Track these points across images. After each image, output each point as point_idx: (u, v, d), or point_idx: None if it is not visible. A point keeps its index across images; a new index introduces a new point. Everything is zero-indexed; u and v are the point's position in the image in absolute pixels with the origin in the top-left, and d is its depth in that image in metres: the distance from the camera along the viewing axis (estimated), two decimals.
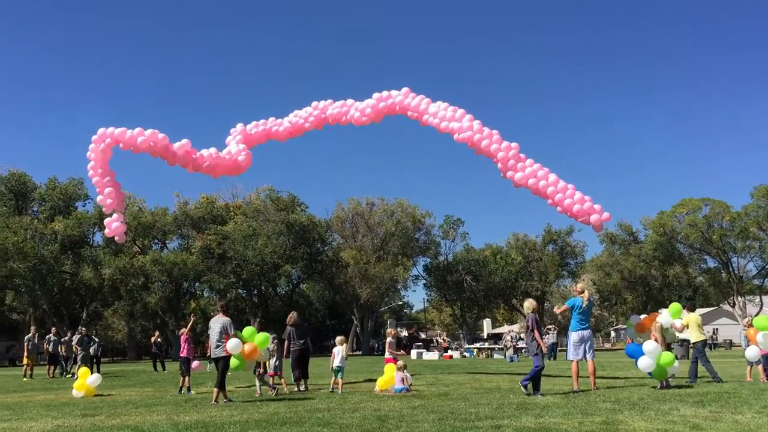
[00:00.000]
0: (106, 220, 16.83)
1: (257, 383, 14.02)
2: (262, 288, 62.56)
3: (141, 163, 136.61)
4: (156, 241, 60.76)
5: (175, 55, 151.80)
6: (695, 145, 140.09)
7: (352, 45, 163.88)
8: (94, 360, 24.26)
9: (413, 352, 41.76)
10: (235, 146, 17.97)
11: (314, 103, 18.20)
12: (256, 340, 12.69)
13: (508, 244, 69.74)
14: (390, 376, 13.71)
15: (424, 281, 69.40)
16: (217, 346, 12.28)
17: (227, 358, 12.19)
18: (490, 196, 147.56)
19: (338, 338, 15.17)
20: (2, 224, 50.15)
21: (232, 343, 12.05)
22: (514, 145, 14.85)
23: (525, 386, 11.93)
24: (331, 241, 63.96)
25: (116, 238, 16.98)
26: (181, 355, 15.82)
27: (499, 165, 15.00)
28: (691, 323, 14.94)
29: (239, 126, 18.65)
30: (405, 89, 16.84)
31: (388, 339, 16.87)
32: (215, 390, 12.21)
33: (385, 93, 16.94)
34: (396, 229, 60.30)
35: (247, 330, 13.00)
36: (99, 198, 16.47)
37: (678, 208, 64.93)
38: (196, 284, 60.27)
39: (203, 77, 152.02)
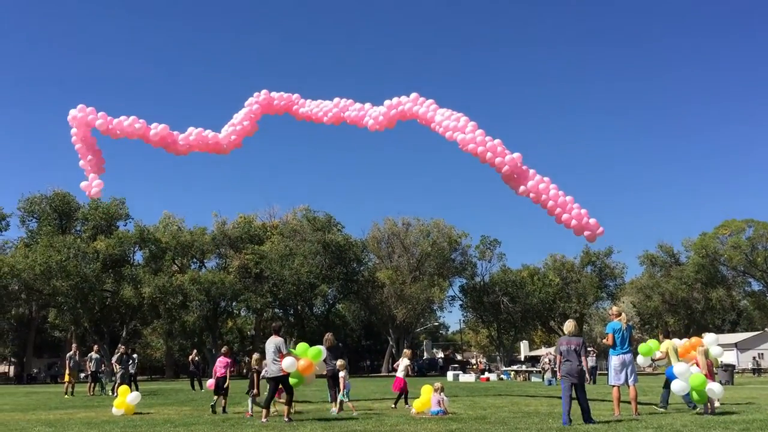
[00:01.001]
0: (83, 184, 17.10)
1: (249, 403, 14.04)
2: (299, 308, 62.83)
3: (180, 184, 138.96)
4: (194, 260, 61.57)
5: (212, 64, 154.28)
6: (739, 165, 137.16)
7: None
8: (132, 378, 24.51)
9: (449, 374, 41.37)
10: (239, 116, 18.22)
11: (336, 100, 18.32)
12: (309, 354, 12.80)
13: (545, 265, 69.00)
14: (426, 399, 13.58)
15: (461, 302, 68.95)
16: (273, 366, 12.43)
17: (284, 377, 12.37)
18: (527, 217, 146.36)
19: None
20: (46, 243, 51.30)
21: (287, 362, 12.20)
22: (516, 155, 15.01)
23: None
24: (367, 261, 64.04)
25: (91, 193, 17.35)
26: (218, 375, 15.86)
27: (503, 176, 15.29)
28: (669, 349, 14.68)
29: (264, 92, 18.76)
30: (414, 95, 17.05)
31: (405, 360, 16.84)
32: (285, 408, 12.39)
33: (395, 100, 17.17)
34: (432, 250, 60.13)
35: (301, 346, 13.13)
36: (81, 163, 16.92)
37: (721, 229, 63.61)
38: (234, 303, 60.75)
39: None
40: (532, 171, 15.12)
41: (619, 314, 12.67)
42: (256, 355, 14.92)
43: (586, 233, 14.53)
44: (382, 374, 67.76)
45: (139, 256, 58.23)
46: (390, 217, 63.84)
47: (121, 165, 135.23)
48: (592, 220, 14.63)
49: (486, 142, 15.22)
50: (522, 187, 14.94)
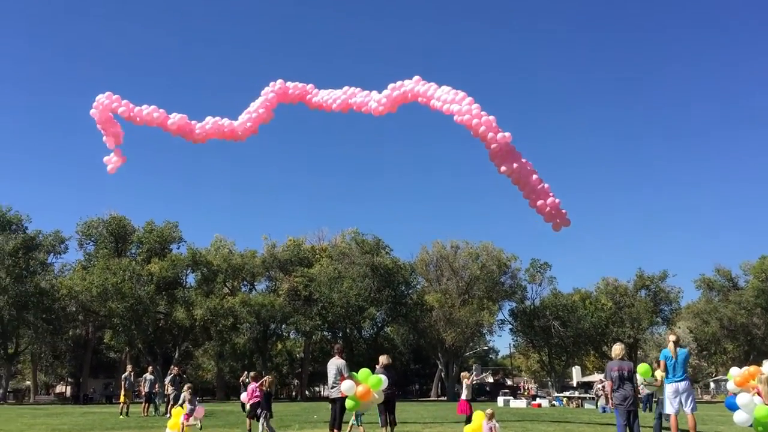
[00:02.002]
0: (106, 158, 18.11)
1: (261, 426, 14.21)
2: (347, 330, 62.91)
3: (231, 207, 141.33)
4: (245, 282, 62.37)
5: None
6: None
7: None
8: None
9: (500, 400, 40.74)
10: (255, 105, 18.65)
11: (345, 88, 18.59)
12: (369, 382, 12.81)
13: (597, 289, 67.66)
14: (478, 425, 13.38)
15: (510, 326, 68.10)
16: (333, 387, 12.59)
17: (343, 399, 12.42)
18: (577, 240, 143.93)
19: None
20: (103, 266, 52.66)
21: (346, 385, 12.26)
22: (507, 135, 15.16)
23: None
24: (416, 284, 63.82)
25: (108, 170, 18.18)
26: (250, 401, 15.80)
27: (490, 152, 15.48)
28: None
29: (279, 81, 19.15)
30: (416, 77, 17.27)
31: (465, 381, 16.66)
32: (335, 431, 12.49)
33: (398, 83, 17.36)
34: (481, 273, 59.64)
35: (363, 372, 13.17)
36: (104, 138, 17.97)
37: None
38: (283, 326, 61.18)
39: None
40: (518, 153, 15.30)
41: (677, 341, 12.33)
42: (269, 378, 15.11)
43: (557, 221, 14.88)
44: (431, 398, 67.20)
45: (191, 279, 59.35)
46: (438, 240, 63.73)
47: (174, 189, 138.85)
48: (563, 211, 14.98)
49: (481, 116, 15.39)
50: (504, 167, 15.02)
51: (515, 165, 15.06)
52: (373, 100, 17.73)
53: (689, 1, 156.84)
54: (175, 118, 17.65)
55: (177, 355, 57.81)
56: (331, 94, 18.72)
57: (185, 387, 14.94)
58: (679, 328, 66.44)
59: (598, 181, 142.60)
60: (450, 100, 16.07)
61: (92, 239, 60.42)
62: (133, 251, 60.65)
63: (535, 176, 15.14)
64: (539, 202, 14.93)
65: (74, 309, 54.90)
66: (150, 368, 28.76)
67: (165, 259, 56.32)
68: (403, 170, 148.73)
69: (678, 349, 12.20)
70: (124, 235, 60.21)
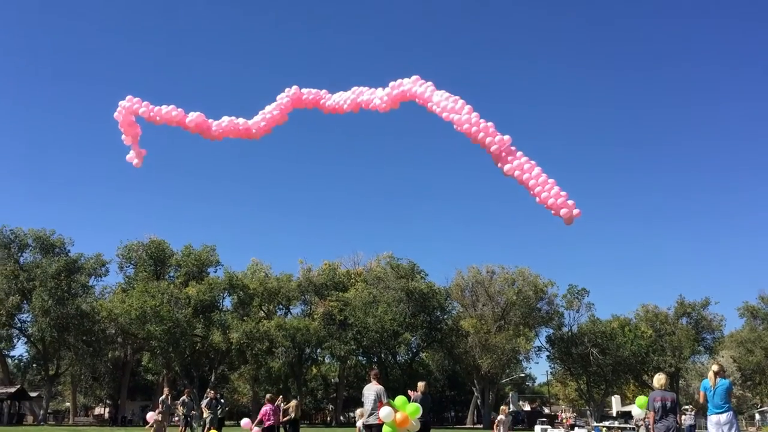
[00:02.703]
0: (129, 156, 18.89)
1: None
2: (382, 356, 62.63)
3: (268, 230, 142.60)
4: (281, 306, 62.65)
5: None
6: None
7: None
8: (220, 422, 24.87)
9: (537, 428, 40.05)
10: (269, 107, 18.39)
11: (354, 88, 18.72)
12: (407, 409, 12.72)
13: (637, 316, 66.34)
14: None
15: (548, 353, 67.08)
16: (371, 414, 12.42)
17: (380, 426, 12.33)
18: (616, 266, 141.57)
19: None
20: (142, 289, 53.45)
21: (384, 412, 12.17)
22: (506, 138, 15.25)
23: None
24: (451, 309, 63.38)
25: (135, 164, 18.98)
26: (266, 424, 15.62)
27: (492, 156, 15.48)
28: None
29: (294, 87, 19.95)
30: (414, 77, 17.41)
31: (500, 416, 16.31)
32: None
33: (398, 81, 17.31)
34: (517, 299, 58.97)
35: (399, 399, 13.07)
36: (123, 137, 18.71)
37: None
38: (318, 350, 61.18)
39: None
40: (519, 153, 15.26)
41: (717, 371, 11.98)
42: (294, 402, 14.92)
43: (563, 211, 14.14)
44: (467, 426, 66.35)
45: (228, 302, 59.82)
46: (474, 265, 63.20)
47: (213, 213, 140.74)
48: (570, 201, 14.32)
49: (479, 123, 15.43)
50: (507, 166, 14.99)
51: (517, 163, 14.91)
52: (377, 97, 17.65)
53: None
54: (193, 116, 17.93)
55: (213, 378, 58.14)
56: (342, 95, 18.49)
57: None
58: (722, 357, 64.69)
59: (638, 208, 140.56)
60: (450, 108, 16.05)
61: (132, 262, 61.45)
62: (172, 274, 61.49)
63: (537, 170, 14.77)
64: (543, 195, 14.49)
65: (113, 331, 55.76)
66: (186, 391, 28.94)
67: (202, 282, 56.93)
68: (439, 194, 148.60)
69: (719, 379, 11.85)
70: (162, 258, 61.09)
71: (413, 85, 16.82)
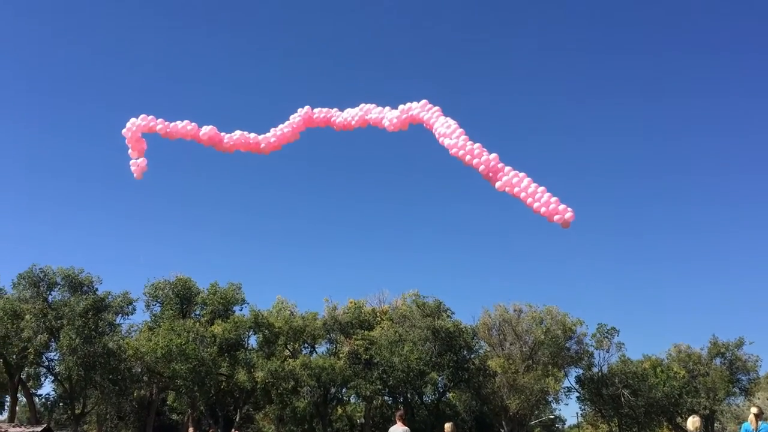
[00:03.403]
0: (131, 162, 19.27)
1: None
2: (408, 396, 61.75)
3: (293, 268, 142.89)
4: (306, 345, 62.28)
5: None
6: None
7: None
8: None
9: None
10: (282, 126, 19.85)
11: (361, 105, 19.60)
12: None
13: (669, 356, 64.77)
14: None
15: (577, 394, 65.58)
16: None
17: None
18: (646, 304, 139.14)
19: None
20: (168, 327, 53.53)
21: None
22: (493, 156, 16.42)
23: None
24: (478, 348, 62.46)
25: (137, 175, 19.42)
26: None
27: (483, 175, 16.77)
28: None
29: (306, 107, 20.29)
30: (423, 101, 18.35)
31: None
32: None
33: (407, 105, 18.56)
34: (546, 338, 57.94)
35: None
36: (130, 152, 19.23)
37: None
38: (344, 390, 60.51)
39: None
40: (507, 168, 16.36)
41: (758, 414, 11.56)
42: None
43: (556, 217, 15.16)
44: None
45: (253, 341, 59.66)
46: (501, 303, 62.32)
47: (238, 250, 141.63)
48: (561, 206, 15.23)
49: (466, 146, 16.68)
50: (498, 183, 16.14)
51: (506, 178, 16.11)
52: (386, 118, 18.98)
53: None
54: (206, 129, 19.23)
55: (238, 418, 57.73)
56: (350, 112, 19.91)
57: None
58: (758, 399, 62.76)
59: (669, 246, 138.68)
60: (443, 134, 17.37)
61: (159, 300, 61.69)
62: (198, 312, 61.60)
63: (527, 181, 15.89)
64: (535, 205, 15.54)
65: (139, 370, 55.71)
66: (211, 431, 28.71)
67: (228, 320, 56.90)
68: (465, 231, 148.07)
69: (760, 422, 11.44)
70: (189, 296, 61.27)
71: (421, 110, 18.20)
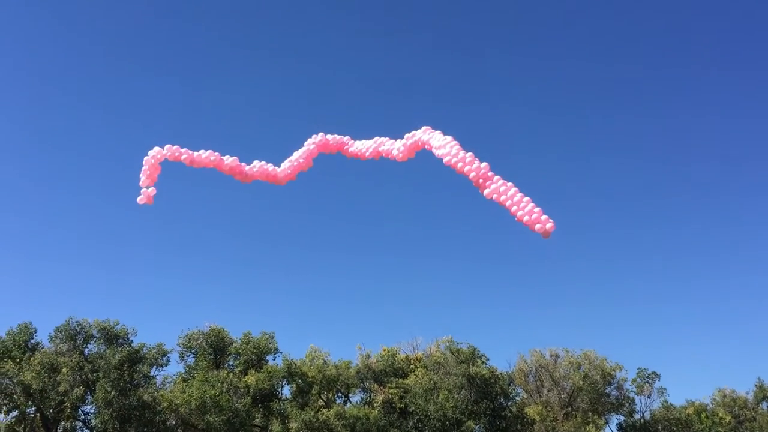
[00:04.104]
0: (143, 192, 19.95)
1: None
2: None
3: (325, 316, 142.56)
4: (339, 394, 61.66)
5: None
6: None
7: None
8: None
9: None
10: (297, 154, 20.83)
11: (375, 138, 20.50)
12: None
13: (713, 401, 62.86)
14: None
15: None
16: None
17: None
18: (687, 348, 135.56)
19: None
20: (202, 378, 53.47)
21: None
22: (483, 165, 17.14)
23: None
24: (515, 395, 61.22)
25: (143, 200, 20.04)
26: None
27: (473, 183, 17.54)
28: None
29: (320, 134, 21.13)
30: (425, 127, 19.18)
31: None
32: None
33: (412, 132, 19.44)
34: (584, 384, 56.71)
35: None
36: (143, 179, 19.92)
37: None
38: None
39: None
40: (497, 177, 17.06)
41: None
42: None
43: (537, 227, 15.75)
44: None
45: (286, 391, 59.21)
46: (536, 348, 61.43)
47: (270, 300, 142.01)
48: (543, 217, 15.84)
49: (459, 154, 17.54)
50: (486, 191, 16.81)
51: (494, 186, 16.80)
52: (395, 148, 19.83)
53: None
54: (229, 159, 20.15)
55: None
56: (365, 143, 20.78)
57: None
58: None
59: (709, 286, 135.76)
60: (439, 146, 18.26)
61: (192, 351, 61.71)
62: (231, 363, 61.45)
63: (513, 191, 16.53)
64: (519, 213, 16.15)
65: (174, 422, 55.53)
66: None
67: (261, 370, 56.67)
68: (495, 276, 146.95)
69: None
70: (222, 347, 61.25)
71: (423, 134, 19.12)
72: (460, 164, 17.47)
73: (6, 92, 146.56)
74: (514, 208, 16.34)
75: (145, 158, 20.30)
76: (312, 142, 21.13)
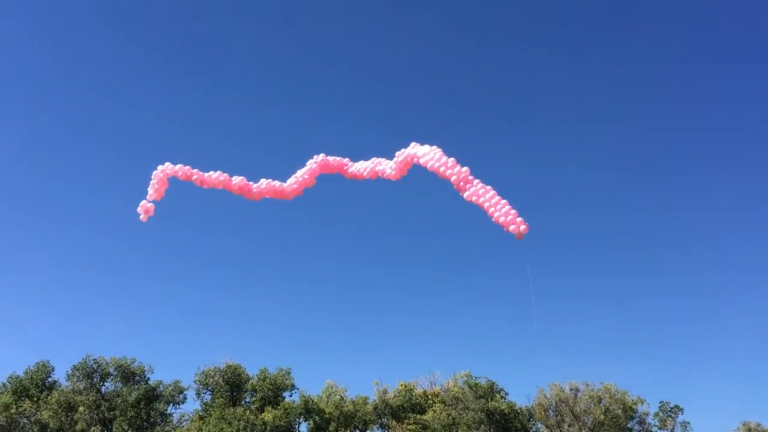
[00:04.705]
0: (142, 202, 20.63)
1: None
2: None
3: (342, 351, 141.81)
4: (357, 430, 61.02)
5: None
6: None
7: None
8: None
9: None
10: (301, 172, 21.57)
11: (372, 158, 21.31)
12: None
13: None
14: None
15: None
16: None
17: None
18: (710, 380, 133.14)
19: None
20: (219, 415, 53.20)
21: None
22: (464, 169, 17.89)
23: None
24: (535, 430, 60.35)
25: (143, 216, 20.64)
26: None
27: (454, 186, 18.12)
28: None
29: (322, 155, 21.93)
30: (412, 143, 19.96)
31: None
32: None
33: (401, 150, 20.25)
34: (605, 418, 55.67)
35: None
36: (151, 191, 20.62)
37: None
38: None
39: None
40: (476, 180, 17.76)
41: None
42: None
43: (511, 227, 16.44)
44: None
45: (303, 428, 58.68)
46: (556, 382, 60.44)
47: (287, 335, 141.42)
48: (519, 219, 16.53)
49: (441, 159, 18.29)
50: (466, 193, 17.50)
51: (473, 189, 17.44)
52: (388, 167, 20.45)
53: None
54: (237, 179, 20.83)
55: None
56: (363, 164, 21.56)
57: None
58: None
59: (733, 318, 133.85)
60: (423, 155, 18.95)
61: (209, 388, 61.42)
62: (248, 400, 61.09)
63: (491, 193, 17.26)
64: (496, 214, 16.82)
65: None
66: None
67: (278, 407, 56.29)
68: (514, 307, 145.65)
69: None
70: (239, 383, 60.95)
71: (410, 149, 19.79)
72: (442, 168, 18.24)
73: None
74: (491, 210, 17.04)
75: (154, 172, 20.87)
76: (314, 162, 21.79)
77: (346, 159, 22.12)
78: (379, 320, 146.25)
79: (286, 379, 60.76)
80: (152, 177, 20.78)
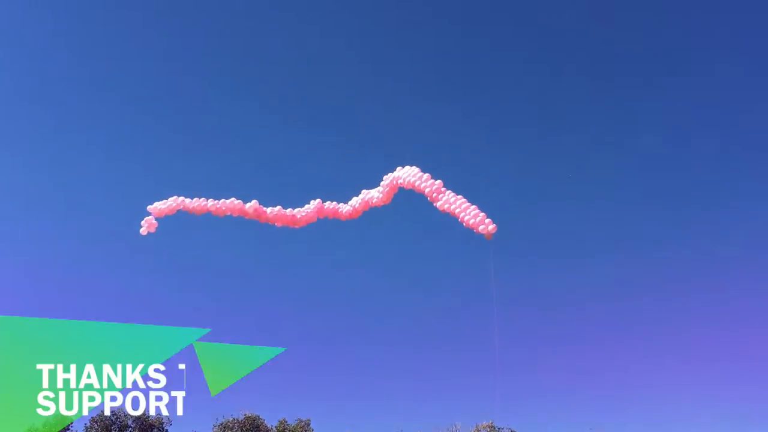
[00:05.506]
0: (146, 218, 20.89)
1: None
2: None
3: (364, 399, 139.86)
4: None
5: None
6: None
7: None
8: None
9: None
10: (308, 206, 22.06)
11: (363, 191, 21.71)
12: None
13: None
14: None
15: None
16: None
17: None
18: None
19: None
20: None
21: None
22: (438, 182, 18.94)
23: None
24: None
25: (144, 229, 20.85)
26: None
27: (428, 198, 19.07)
28: None
29: (318, 200, 22.33)
30: (398, 167, 20.61)
31: None
32: None
33: (388, 174, 20.85)
34: None
35: None
36: (158, 213, 20.92)
37: None
38: None
39: None
40: (449, 192, 18.63)
41: None
42: None
43: (480, 228, 17.15)
44: None
45: None
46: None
47: (306, 384, 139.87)
48: (487, 220, 17.33)
49: (417, 174, 19.20)
50: (439, 203, 18.40)
51: (444, 198, 18.27)
52: (376, 193, 21.12)
53: None
54: (252, 204, 21.48)
55: None
56: (354, 200, 22.00)
57: None
58: None
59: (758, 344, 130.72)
60: (402, 175, 19.76)
61: None
62: None
63: (462, 200, 18.04)
64: (466, 218, 17.54)
65: None
66: None
67: None
68: (535, 355, 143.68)
69: None
70: None
71: (397, 173, 20.50)
72: (417, 182, 19.16)
73: None
74: (462, 215, 17.79)
75: (150, 207, 21.32)
76: (311, 207, 22.43)
77: (342, 204, 22.67)
78: (399, 368, 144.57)
79: (306, 430, 59.91)
80: (149, 210, 21.23)
